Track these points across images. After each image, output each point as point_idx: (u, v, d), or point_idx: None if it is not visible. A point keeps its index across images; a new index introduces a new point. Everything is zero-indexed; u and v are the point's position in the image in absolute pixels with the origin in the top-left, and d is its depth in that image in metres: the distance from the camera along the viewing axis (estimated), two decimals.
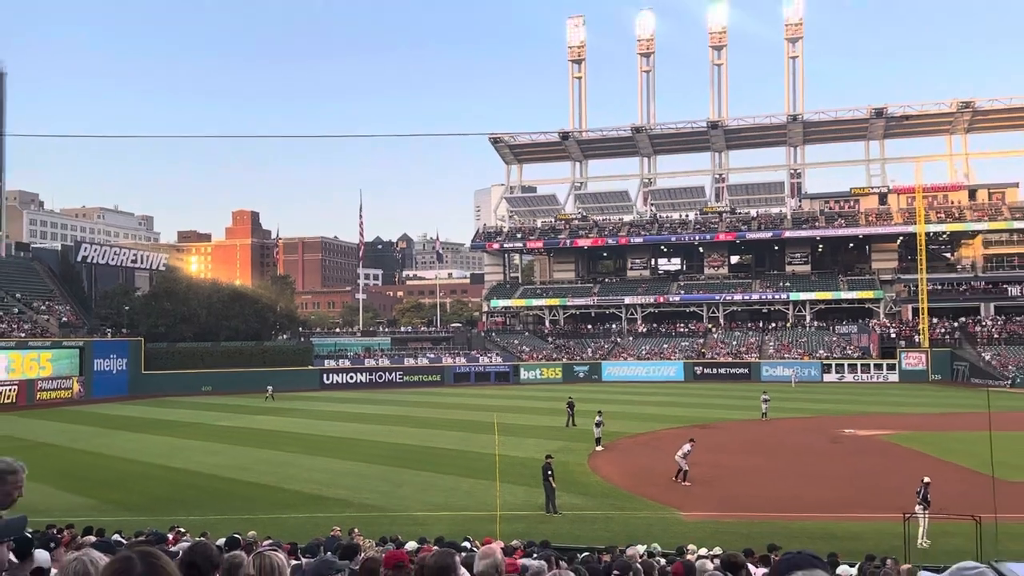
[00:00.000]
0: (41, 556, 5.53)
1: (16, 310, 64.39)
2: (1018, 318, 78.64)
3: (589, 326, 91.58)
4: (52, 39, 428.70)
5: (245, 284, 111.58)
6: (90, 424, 45.42)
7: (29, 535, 6.24)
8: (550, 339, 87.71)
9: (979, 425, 27.75)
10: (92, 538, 14.32)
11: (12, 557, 5.60)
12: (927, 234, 79.89)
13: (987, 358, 71.89)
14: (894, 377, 70.78)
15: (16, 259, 76.90)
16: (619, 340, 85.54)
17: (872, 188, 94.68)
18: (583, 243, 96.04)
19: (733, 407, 49.61)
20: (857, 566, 13.59)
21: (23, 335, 60.77)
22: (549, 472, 23.34)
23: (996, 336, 76.13)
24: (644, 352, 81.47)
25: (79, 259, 76.04)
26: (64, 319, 67.39)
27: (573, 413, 40.90)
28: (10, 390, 56.26)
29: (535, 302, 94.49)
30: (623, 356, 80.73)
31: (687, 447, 27.11)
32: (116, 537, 14.40)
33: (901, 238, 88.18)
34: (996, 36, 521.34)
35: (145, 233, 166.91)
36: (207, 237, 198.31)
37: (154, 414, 50.06)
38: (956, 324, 78.05)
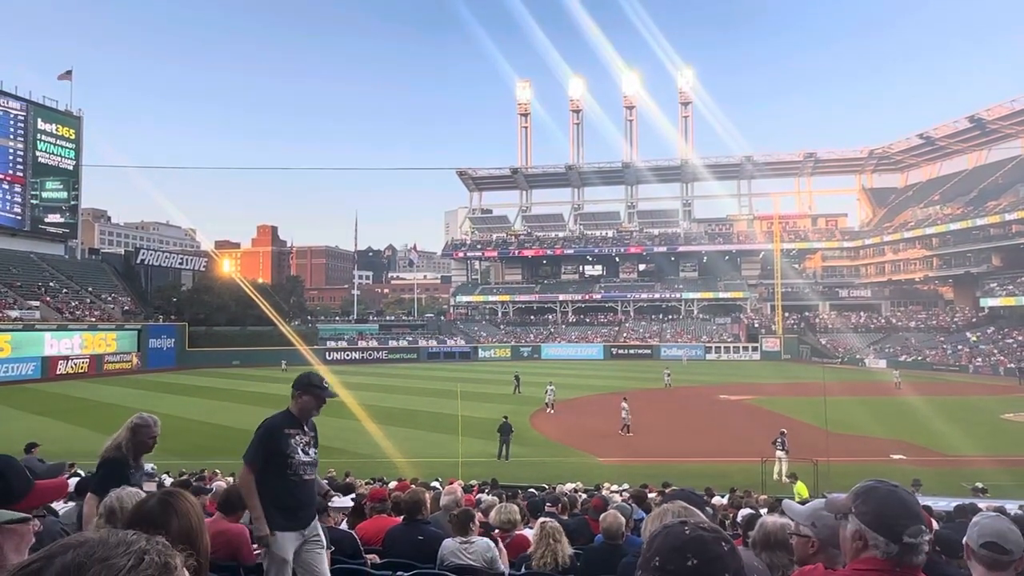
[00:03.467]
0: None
1: (89, 300, 63.03)
2: (846, 313, 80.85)
3: (532, 317, 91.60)
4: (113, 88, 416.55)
5: (266, 282, 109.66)
6: (145, 389, 44.39)
7: (87, 475, 6.11)
8: (502, 326, 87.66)
9: (816, 392, 28.48)
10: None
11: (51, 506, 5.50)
12: (781, 250, 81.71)
13: (823, 342, 73.76)
14: (757, 356, 72.08)
15: (89, 261, 75.34)
16: (555, 328, 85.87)
17: (742, 215, 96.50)
18: (528, 253, 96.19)
19: (640, 379, 50.07)
20: (727, 497, 13.92)
21: (94, 319, 59.44)
22: (511, 429, 23.58)
23: (830, 326, 78.17)
24: (573, 337, 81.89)
25: (138, 261, 74.70)
26: (126, 308, 65.96)
27: (519, 384, 41.08)
28: (83, 362, 55.27)
29: (491, 298, 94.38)
30: (558, 340, 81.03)
31: (624, 404, 27.63)
32: (164, 477, 14.17)
33: (762, 253, 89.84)
34: (835, 99, 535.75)
35: (189, 242, 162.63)
36: (237, 245, 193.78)
37: (195, 381, 49.07)
38: (801, 317, 79.92)
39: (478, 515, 6.04)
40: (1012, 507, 10.56)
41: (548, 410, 33.17)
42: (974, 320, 68.60)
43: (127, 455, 4.63)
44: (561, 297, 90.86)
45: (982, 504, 10.89)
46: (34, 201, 65.46)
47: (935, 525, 5.23)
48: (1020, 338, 59.67)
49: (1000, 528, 2.30)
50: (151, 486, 4.92)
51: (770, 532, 2.88)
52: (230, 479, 13.35)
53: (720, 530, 1.54)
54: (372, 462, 21.28)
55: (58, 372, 52.56)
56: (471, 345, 78.29)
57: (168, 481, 12.83)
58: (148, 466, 4.99)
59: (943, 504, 11.40)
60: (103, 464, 4.60)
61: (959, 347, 62.95)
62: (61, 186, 67.78)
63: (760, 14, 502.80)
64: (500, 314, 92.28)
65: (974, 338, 63.84)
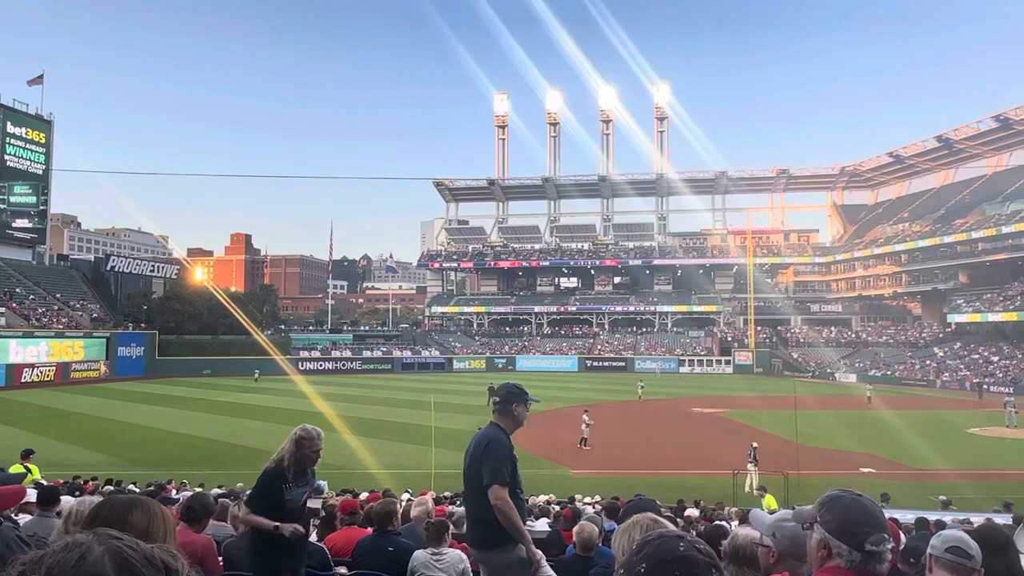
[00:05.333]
0: (67, 501, 5.36)
1: (56, 307, 61.71)
2: (817, 327, 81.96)
3: (507, 328, 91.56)
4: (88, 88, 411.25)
5: (239, 291, 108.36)
6: (113, 398, 43.50)
7: (54, 485, 5.98)
8: (477, 338, 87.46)
9: (788, 405, 28.76)
10: (111, 488, 13.79)
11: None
12: (755, 264, 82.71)
13: (795, 356, 74.67)
14: (729, 369, 72.65)
15: (58, 267, 73.71)
16: (530, 339, 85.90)
17: (716, 230, 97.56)
18: (504, 265, 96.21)
19: (614, 391, 50.27)
20: (699, 510, 13.96)
21: (61, 327, 58.28)
22: None
23: (802, 340, 79.18)
24: (548, 349, 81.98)
25: (108, 268, 73.14)
26: (95, 315, 64.75)
27: (493, 395, 40.83)
28: (49, 370, 54.01)
29: (466, 309, 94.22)
30: (533, 352, 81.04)
31: (585, 417, 27.57)
32: (131, 487, 13.90)
33: (736, 267, 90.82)
34: (808, 117, 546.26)
35: (161, 249, 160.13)
36: (210, 253, 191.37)
37: (164, 391, 48.20)
38: (774, 331, 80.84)
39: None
40: (977, 520, 10.74)
41: None
42: (941, 336, 69.96)
43: (287, 469, 4.61)
44: (536, 309, 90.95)
45: (948, 517, 11.07)
46: (2, 205, 64.11)
47: (903, 538, 5.27)
48: (985, 353, 60.99)
49: (962, 536, 2.38)
50: (316, 503, 4.86)
51: (740, 546, 2.90)
52: (198, 490, 13.11)
53: (715, 555, 1.52)
54: (344, 473, 21.02)
55: (23, 380, 51.32)
56: (446, 356, 77.97)
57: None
58: (320, 482, 4.97)
59: (910, 517, 11.55)
60: (260, 476, 4.67)
61: (927, 362, 64.12)
62: (30, 191, 66.47)
63: (735, 33, 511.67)
64: (475, 325, 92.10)
65: (941, 353, 65.07)
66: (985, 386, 51.84)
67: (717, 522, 8.05)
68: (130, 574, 1.01)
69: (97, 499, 3.47)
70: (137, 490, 13.21)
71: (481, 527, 4.44)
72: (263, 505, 4.53)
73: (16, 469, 11.13)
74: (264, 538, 4.52)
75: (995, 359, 59.35)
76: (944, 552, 2.34)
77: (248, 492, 4.65)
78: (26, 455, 13.45)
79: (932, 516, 11.21)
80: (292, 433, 4.75)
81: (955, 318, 66.43)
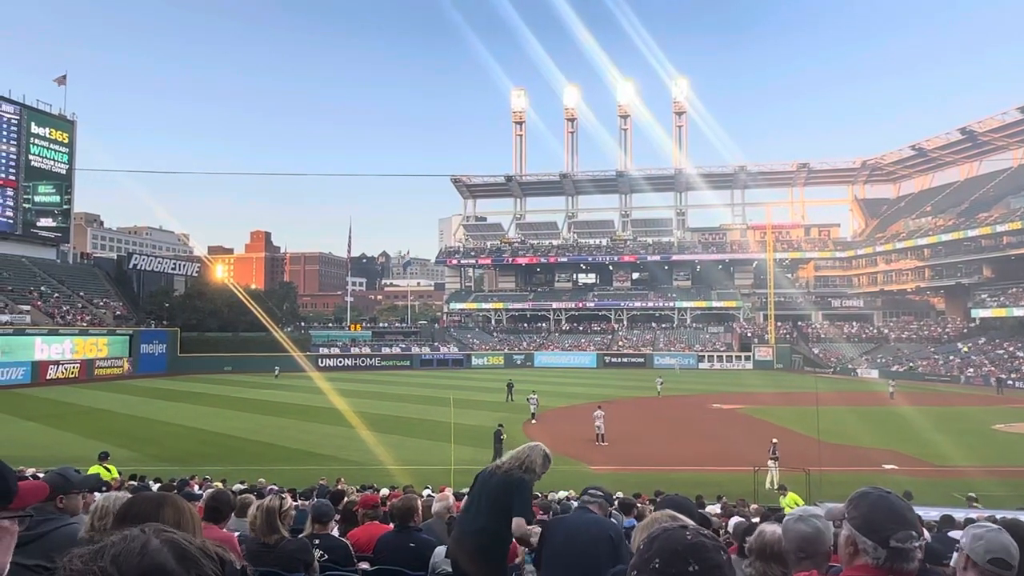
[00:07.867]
0: (94, 497, 5.42)
1: (80, 305, 62.62)
2: (838, 322, 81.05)
3: (525, 324, 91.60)
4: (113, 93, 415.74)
5: (259, 288, 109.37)
6: (136, 395, 44.10)
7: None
8: (495, 334, 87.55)
9: (809, 402, 28.48)
10: (134, 483, 13.99)
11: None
12: (774, 259, 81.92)
13: (816, 352, 73.92)
14: (749, 366, 72.18)
15: (81, 266, 74.78)
16: (548, 336, 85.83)
17: (735, 225, 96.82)
18: (521, 261, 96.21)
19: (633, 388, 50.08)
20: (718, 506, 13.89)
21: (85, 324, 59.15)
22: (502, 436, 23.41)
23: (823, 335, 78.36)
24: (567, 345, 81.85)
25: (131, 266, 74.00)
26: (118, 313, 65.66)
27: (511, 392, 40.94)
28: (74, 367, 54.85)
29: (484, 305, 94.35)
30: (551, 348, 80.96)
31: (598, 412, 27.44)
32: (153, 483, 14.07)
33: (756, 262, 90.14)
34: (828, 110, 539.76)
35: (182, 247, 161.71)
36: (230, 251, 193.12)
37: (186, 387, 48.78)
38: (794, 326, 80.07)
39: None
40: (1003, 517, 10.55)
41: (531, 420, 32.49)
42: (965, 331, 68.87)
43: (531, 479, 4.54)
44: (555, 305, 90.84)
45: (974, 514, 10.89)
46: (26, 205, 65.12)
47: (926, 535, 5.18)
48: (1011, 349, 59.95)
49: (1005, 543, 2.23)
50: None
51: (768, 543, 2.87)
52: (219, 485, 13.27)
53: (717, 538, 1.54)
54: (364, 469, 21.16)
55: (48, 377, 52.16)
56: (464, 352, 78.12)
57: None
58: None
59: (934, 514, 11.39)
60: (527, 485, 4.45)
61: (950, 358, 63.17)
62: (54, 190, 67.47)
63: (754, 26, 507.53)
64: (493, 321, 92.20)
65: (965, 349, 64.06)
66: (1011, 382, 51.06)
67: (739, 518, 8.00)
68: (191, 564, 1.06)
69: (123, 495, 3.52)
70: (155, 486, 13.40)
71: None
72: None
73: (95, 470, 12.82)
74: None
75: (1020, 354, 58.30)
76: (987, 563, 2.23)
77: (516, 506, 4.35)
78: (103, 458, 14.94)
79: (957, 513, 11.06)
80: (538, 447, 4.59)
81: (979, 313, 65.37)
